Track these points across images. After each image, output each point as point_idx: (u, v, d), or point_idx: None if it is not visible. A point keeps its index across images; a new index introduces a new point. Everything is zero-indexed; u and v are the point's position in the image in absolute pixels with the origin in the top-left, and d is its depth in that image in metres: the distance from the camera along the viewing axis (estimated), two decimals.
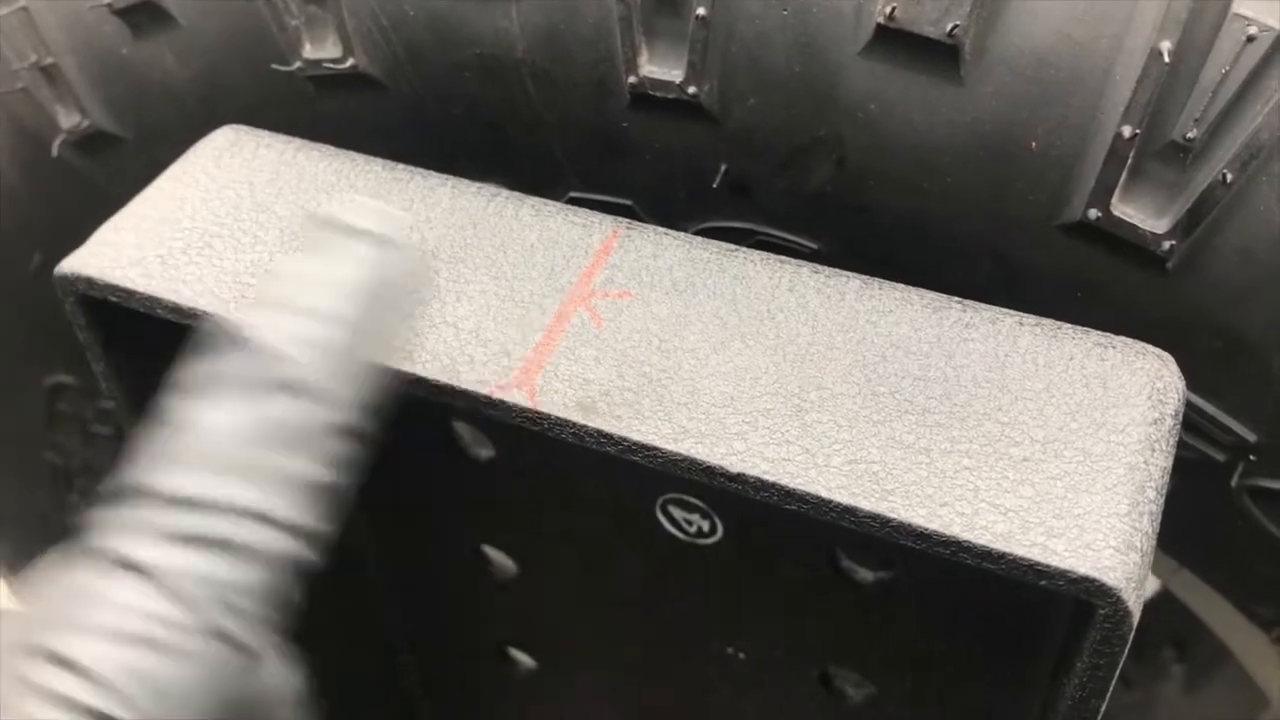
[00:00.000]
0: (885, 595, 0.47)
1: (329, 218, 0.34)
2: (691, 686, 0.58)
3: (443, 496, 0.56)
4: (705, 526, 0.49)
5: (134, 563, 0.28)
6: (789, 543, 0.47)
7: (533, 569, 0.57)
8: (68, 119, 0.56)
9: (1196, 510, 0.47)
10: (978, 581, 0.39)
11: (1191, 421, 0.44)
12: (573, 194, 0.50)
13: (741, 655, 0.54)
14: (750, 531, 0.48)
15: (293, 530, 0.30)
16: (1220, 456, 0.45)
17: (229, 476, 0.29)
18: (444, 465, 0.53)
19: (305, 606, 0.61)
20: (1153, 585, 0.83)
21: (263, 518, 0.29)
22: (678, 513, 0.49)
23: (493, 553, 0.58)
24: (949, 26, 0.39)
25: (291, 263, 0.34)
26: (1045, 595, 0.36)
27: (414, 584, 0.63)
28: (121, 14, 0.51)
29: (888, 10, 0.39)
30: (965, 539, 0.33)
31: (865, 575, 0.47)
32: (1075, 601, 0.36)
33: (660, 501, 0.49)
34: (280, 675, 0.33)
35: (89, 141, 0.56)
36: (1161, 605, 0.82)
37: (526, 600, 0.59)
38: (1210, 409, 0.44)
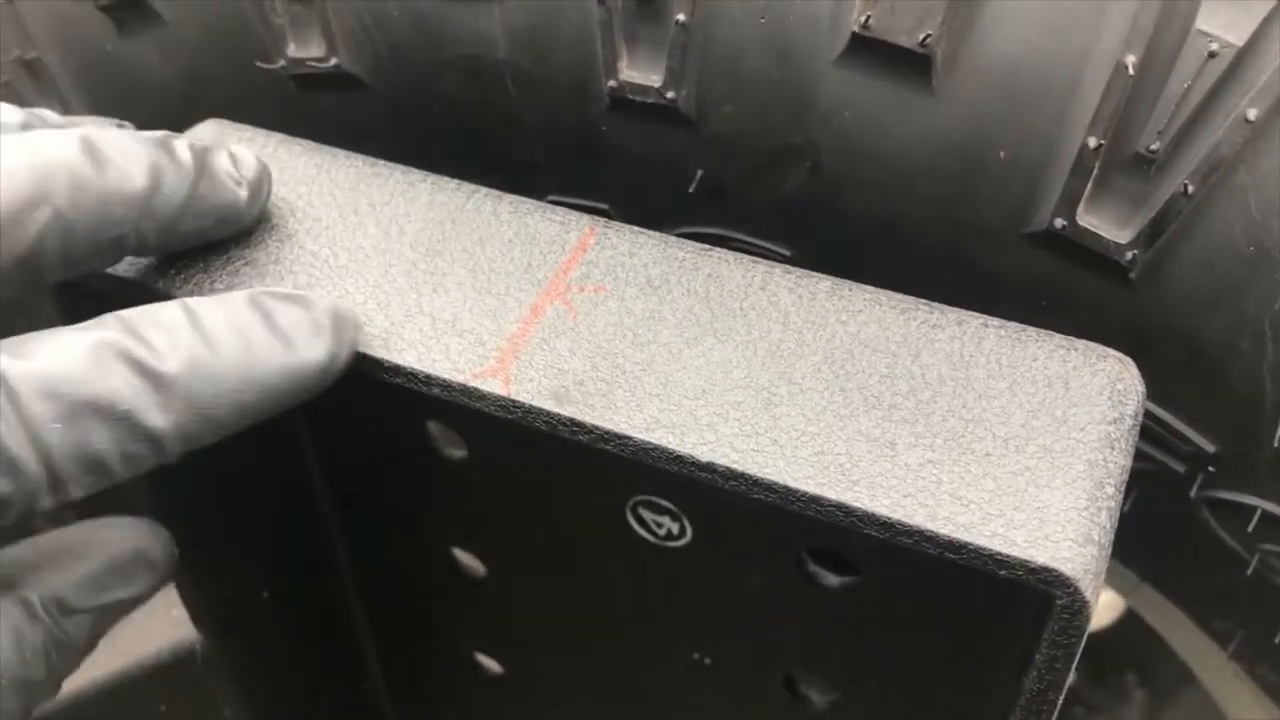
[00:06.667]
0: (851, 600, 0.47)
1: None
2: (658, 693, 0.58)
3: (415, 499, 0.56)
4: (675, 529, 0.49)
5: None
6: (757, 545, 0.47)
7: (502, 573, 0.57)
8: None
9: (1157, 522, 0.48)
10: (942, 585, 0.39)
11: (1152, 432, 0.45)
12: (551, 197, 0.50)
13: (708, 661, 0.54)
14: (719, 533, 0.48)
15: None
16: (1180, 467, 0.46)
17: None
18: (417, 467, 0.53)
19: (271, 613, 0.61)
20: (1117, 609, 0.84)
21: None
22: (648, 515, 0.49)
23: (463, 557, 0.58)
24: (922, 36, 0.40)
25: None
26: (1008, 597, 0.36)
27: (384, 589, 0.63)
28: (108, 10, 0.52)
29: (863, 19, 0.40)
30: (928, 529, 0.33)
31: (831, 580, 0.47)
32: (1036, 601, 0.37)
33: (631, 503, 0.49)
34: None
35: None
36: (1123, 629, 0.82)
37: (496, 605, 0.59)
38: (1170, 419, 0.45)
